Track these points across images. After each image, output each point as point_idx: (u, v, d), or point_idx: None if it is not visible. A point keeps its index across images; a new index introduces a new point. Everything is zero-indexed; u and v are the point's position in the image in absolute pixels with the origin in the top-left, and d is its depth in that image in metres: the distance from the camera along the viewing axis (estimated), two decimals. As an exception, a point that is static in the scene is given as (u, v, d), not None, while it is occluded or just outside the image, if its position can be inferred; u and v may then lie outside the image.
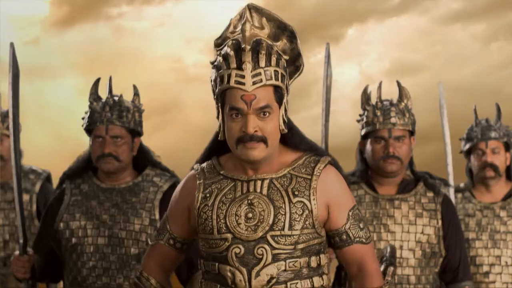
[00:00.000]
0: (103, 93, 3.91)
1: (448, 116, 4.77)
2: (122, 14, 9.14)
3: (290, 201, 2.62)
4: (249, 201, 2.63)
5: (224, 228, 2.64)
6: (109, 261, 3.77)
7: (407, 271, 3.80)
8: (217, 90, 2.61)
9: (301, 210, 2.62)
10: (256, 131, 2.57)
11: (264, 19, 2.63)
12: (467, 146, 4.57)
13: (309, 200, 2.63)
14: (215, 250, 2.66)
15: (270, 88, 2.58)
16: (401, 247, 3.81)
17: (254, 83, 2.55)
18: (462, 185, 4.67)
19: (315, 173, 2.66)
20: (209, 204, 2.68)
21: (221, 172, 2.72)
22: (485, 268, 4.48)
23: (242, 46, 2.56)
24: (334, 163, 2.79)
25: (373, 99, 3.94)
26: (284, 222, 2.61)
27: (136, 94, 3.97)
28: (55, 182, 4.51)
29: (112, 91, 3.91)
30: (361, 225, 2.72)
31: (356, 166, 4.00)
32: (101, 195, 3.84)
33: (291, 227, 2.61)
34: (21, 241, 3.87)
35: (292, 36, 2.65)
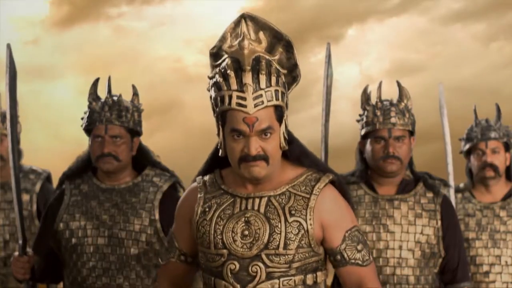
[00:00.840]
0: (102, 93, 3.91)
1: (447, 116, 4.76)
2: (122, 14, 9.14)
3: (286, 220, 2.61)
4: (246, 219, 2.63)
5: (221, 244, 2.63)
6: (109, 261, 3.77)
7: (406, 271, 3.80)
8: (217, 110, 2.60)
9: (296, 230, 2.60)
10: (258, 151, 2.57)
11: (261, 33, 2.61)
12: (467, 146, 4.57)
13: (306, 220, 2.61)
14: (212, 264, 2.66)
15: (271, 108, 2.57)
16: (400, 247, 3.81)
17: (255, 105, 2.54)
18: (461, 185, 4.67)
19: (314, 192, 2.64)
20: (208, 219, 2.68)
21: (222, 187, 2.72)
22: (485, 268, 4.48)
23: (243, 68, 2.54)
24: (338, 180, 2.75)
25: (373, 99, 3.93)
26: (279, 241, 2.59)
27: (135, 94, 3.97)
28: (55, 182, 4.51)
29: (111, 91, 3.90)
30: (359, 247, 2.67)
31: (355, 166, 3.99)
32: (101, 195, 3.84)
33: (286, 247, 2.59)
34: (20, 241, 3.86)
35: (288, 46, 2.63)
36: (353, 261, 2.66)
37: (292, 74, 2.65)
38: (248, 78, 2.53)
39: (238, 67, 2.55)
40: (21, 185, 4.18)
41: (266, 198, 2.64)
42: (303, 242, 2.61)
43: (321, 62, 4.34)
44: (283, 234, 2.59)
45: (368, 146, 3.88)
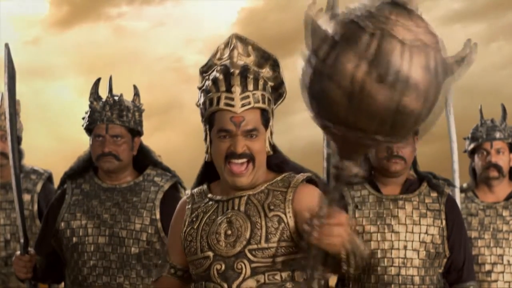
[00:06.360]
0: (103, 93, 3.91)
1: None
2: (122, 14, 9.13)
3: (266, 215, 2.65)
4: (228, 219, 2.68)
5: (206, 247, 2.69)
6: (109, 260, 3.78)
7: (411, 271, 3.78)
8: (205, 113, 2.69)
9: (277, 224, 2.64)
10: (244, 150, 2.64)
11: (250, 48, 2.74)
12: (472, 145, 4.58)
13: (285, 214, 2.65)
14: (200, 269, 2.70)
15: (257, 111, 2.67)
16: (405, 248, 3.79)
17: (243, 105, 2.64)
18: (465, 185, 4.67)
19: (291, 185, 2.69)
20: (195, 227, 2.74)
21: (208, 196, 2.78)
22: (488, 267, 4.48)
23: (231, 71, 2.66)
24: (316, 179, 2.77)
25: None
26: (261, 236, 2.63)
27: (137, 94, 3.99)
28: (56, 182, 4.50)
29: (112, 91, 3.93)
30: None
31: (359, 166, 3.96)
32: (102, 194, 3.84)
33: (267, 240, 2.63)
34: (22, 240, 3.86)
35: (275, 65, 2.75)
36: None
37: (278, 91, 2.76)
38: (236, 80, 2.64)
39: (227, 71, 2.67)
40: (22, 185, 4.19)
41: (245, 197, 2.69)
42: (284, 235, 2.63)
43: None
44: (263, 229, 2.63)
45: (371, 146, 3.85)
